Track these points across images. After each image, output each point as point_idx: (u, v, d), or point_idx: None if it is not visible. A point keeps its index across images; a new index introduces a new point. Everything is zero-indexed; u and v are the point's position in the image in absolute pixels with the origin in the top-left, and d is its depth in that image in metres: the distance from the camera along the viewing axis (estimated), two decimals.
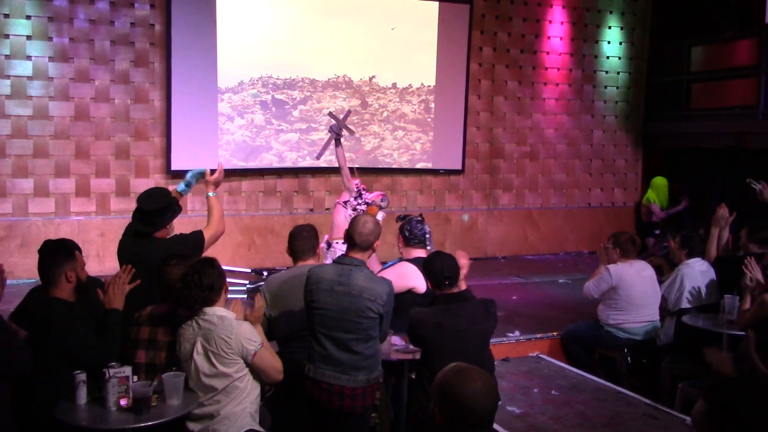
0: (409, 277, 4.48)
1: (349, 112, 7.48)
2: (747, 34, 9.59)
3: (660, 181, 9.73)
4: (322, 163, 8.64)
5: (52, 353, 3.47)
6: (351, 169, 6.58)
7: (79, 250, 3.80)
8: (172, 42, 7.97)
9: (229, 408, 3.36)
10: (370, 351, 3.63)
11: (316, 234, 4.33)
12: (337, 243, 5.91)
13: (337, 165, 6.82)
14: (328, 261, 5.46)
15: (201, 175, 4.63)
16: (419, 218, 4.85)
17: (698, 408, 2.10)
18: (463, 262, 4.18)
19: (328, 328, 3.61)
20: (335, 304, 3.58)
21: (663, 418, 4.57)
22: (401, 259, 4.78)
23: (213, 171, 4.52)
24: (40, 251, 3.72)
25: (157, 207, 4.23)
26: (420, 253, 4.68)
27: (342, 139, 6.80)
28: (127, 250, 4.24)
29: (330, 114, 7.50)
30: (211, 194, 4.49)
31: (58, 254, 3.67)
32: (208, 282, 3.40)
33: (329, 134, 6.92)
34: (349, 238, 3.72)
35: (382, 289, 3.61)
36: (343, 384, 3.58)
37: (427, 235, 4.81)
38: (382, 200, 6.50)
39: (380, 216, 5.73)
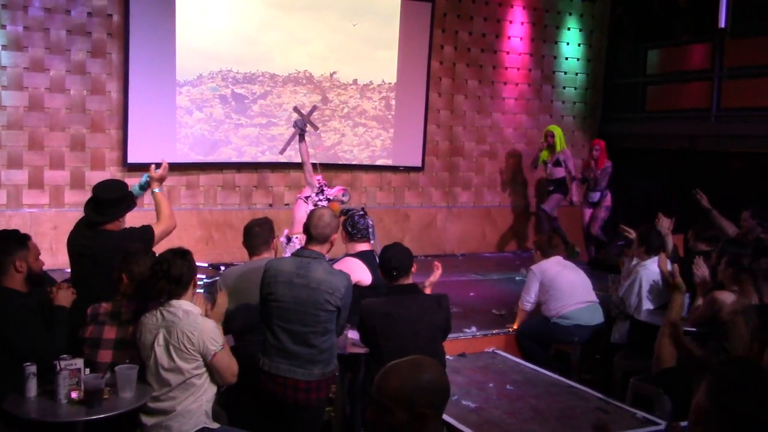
0: (353, 271, 4.52)
1: (315, 108, 7.47)
2: (701, 38, 9.83)
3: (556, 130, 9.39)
4: (282, 158, 8.59)
5: (4, 345, 3.41)
6: (314, 165, 6.59)
7: (30, 240, 3.74)
8: (130, 33, 7.84)
9: (185, 404, 3.34)
10: (327, 344, 3.65)
11: (271, 227, 4.33)
12: (296, 237, 5.92)
13: (299, 160, 6.83)
14: (287, 255, 5.46)
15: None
16: (361, 212, 4.93)
17: (700, 401, 2.04)
18: (436, 273, 4.53)
19: (285, 321, 3.62)
20: (293, 297, 3.60)
21: (614, 412, 4.66)
22: (346, 255, 4.82)
23: (158, 166, 4.48)
24: None
25: (112, 197, 4.19)
26: (364, 246, 4.77)
27: (305, 135, 6.80)
28: (76, 242, 4.19)
29: (295, 108, 7.47)
30: (156, 190, 4.45)
31: (7, 243, 3.62)
32: (176, 273, 3.37)
33: (293, 129, 6.91)
34: (306, 231, 3.75)
35: (341, 282, 3.64)
36: (299, 378, 3.59)
37: (370, 229, 4.90)
38: (343, 195, 6.53)
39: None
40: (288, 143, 7.15)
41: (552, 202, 9.28)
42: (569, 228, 9.50)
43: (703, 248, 5.63)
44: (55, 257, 6.98)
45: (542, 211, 9.39)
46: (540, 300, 5.87)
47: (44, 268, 3.93)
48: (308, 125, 6.93)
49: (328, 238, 3.75)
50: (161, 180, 4.48)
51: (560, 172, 9.23)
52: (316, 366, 3.62)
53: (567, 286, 5.76)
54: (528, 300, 5.91)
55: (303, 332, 3.60)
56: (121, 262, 3.64)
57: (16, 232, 3.77)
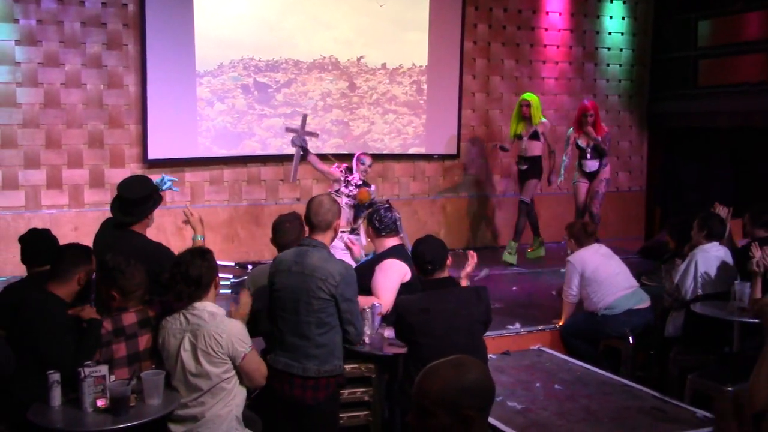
0: (399, 272, 4.57)
1: (305, 117, 7.43)
2: (757, 5, 9.60)
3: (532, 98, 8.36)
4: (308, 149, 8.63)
5: (32, 351, 3.48)
6: (324, 156, 6.71)
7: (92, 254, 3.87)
8: (147, 23, 7.91)
9: (214, 410, 3.36)
10: (324, 339, 3.66)
11: (301, 222, 4.34)
12: (343, 232, 5.99)
13: (324, 152, 6.97)
14: (339, 251, 5.42)
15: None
16: (387, 205, 4.91)
17: None
18: (471, 263, 4.52)
19: (284, 310, 3.70)
20: (290, 285, 3.67)
21: (672, 411, 4.60)
22: (375, 253, 4.82)
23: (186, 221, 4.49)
24: (61, 247, 3.92)
25: (137, 196, 4.25)
26: (394, 241, 4.77)
27: (309, 144, 7.00)
28: (103, 241, 4.25)
29: (287, 129, 7.54)
30: (198, 237, 4.40)
31: (78, 255, 3.76)
32: (195, 274, 3.37)
33: (294, 148, 7.14)
34: (308, 221, 3.81)
35: (336, 269, 3.65)
36: (293, 372, 3.64)
37: (398, 222, 4.89)
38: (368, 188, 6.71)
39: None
40: (295, 168, 7.30)
41: (530, 189, 8.46)
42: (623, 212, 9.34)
43: (761, 234, 5.51)
44: None
45: (522, 204, 8.51)
46: (581, 295, 5.84)
47: None
48: (307, 138, 7.10)
49: (330, 225, 3.78)
50: (197, 225, 4.46)
51: (537, 148, 8.31)
52: (310, 361, 3.63)
53: (609, 277, 5.72)
54: (571, 293, 5.88)
55: (297, 322, 3.65)
56: (104, 279, 3.65)
57: (87, 248, 3.91)
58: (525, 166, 8.39)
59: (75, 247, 3.86)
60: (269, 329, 4.06)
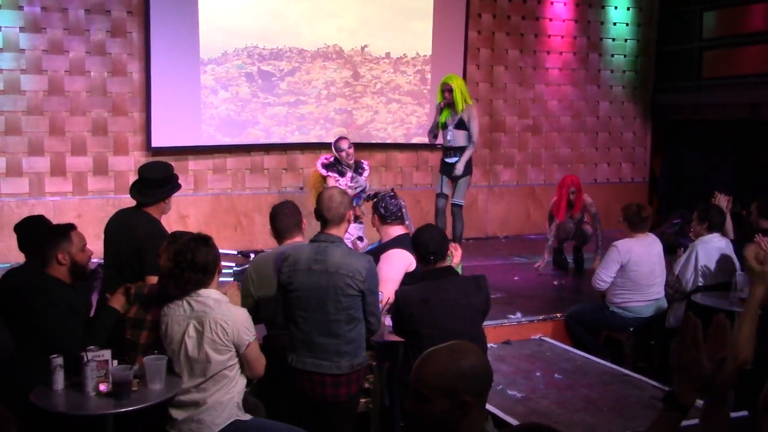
0: (404, 262, 4.56)
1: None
2: None
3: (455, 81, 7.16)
4: (312, 138, 8.65)
5: (35, 333, 3.51)
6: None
7: (73, 230, 3.86)
8: (151, 10, 7.90)
9: (216, 397, 3.37)
10: (353, 334, 3.66)
11: (297, 209, 4.34)
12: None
13: (329, 140, 7.01)
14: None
15: None
16: (392, 193, 4.91)
17: None
18: (455, 257, 4.39)
19: (307, 311, 3.65)
20: (313, 284, 3.62)
21: None
22: (380, 242, 4.83)
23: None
24: (29, 229, 3.97)
25: (157, 176, 4.29)
26: (399, 230, 4.77)
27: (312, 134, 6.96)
28: (116, 220, 4.32)
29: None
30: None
31: (50, 235, 3.78)
32: (201, 262, 3.36)
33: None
34: (321, 216, 3.76)
35: (361, 264, 3.64)
36: (325, 372, 3.62)
37: (404, 210, 4.89)
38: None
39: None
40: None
41: (462, 189, 7.19)
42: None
43: (766, 225, 5.50)
44: None
45: (455, 207, 7.21)
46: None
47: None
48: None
49: (343, 217, 3.76)
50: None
51: (465, 138, 7.11)
52: (343, 358, 3.63)
53: (646, 280, 5.49)
54: (604, 279, 5.52)
55: (326, 321, 3.61)
56: (169, 243, 3.63)
57: (63, 224, 3.91)
58: (453, 159, 7.11)
59: (43, 227, 3.90)
60: (271, 316, 4.08)
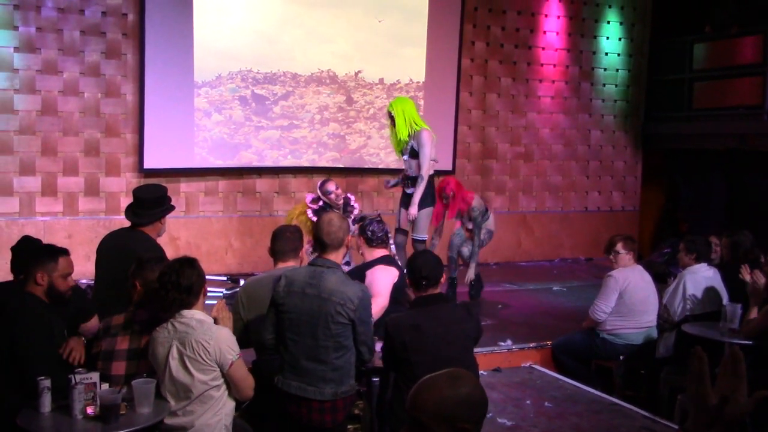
0: (391, 274, 4.62)
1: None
2: (752, 30, 9.70)
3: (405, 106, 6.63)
4: (304, 162, 8.66)
5: (9, 348, 3.49)
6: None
7: (63, 256, 3.83)
8: (146, 33, 7.95)
9: (203, 419, 3.35)
10: (340, 362, 3.65)
11: (301, 236, 4.38)
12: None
13: (322, 165, 6.92)
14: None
15: None
16: (379, 218, 4.98)
17: None
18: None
19: (297, 334, 3.65)
20: (306, 308, 3.62)
21: (661, 431, 4.61)
22: (365, 263, 4.86)
23: None
24: (22, 247, 3.97)
25: (150, 196, 4.31)
26: (383, 252, 4.82)
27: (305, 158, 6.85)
28: (109, 243, 4.32)
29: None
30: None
31: (37, 252, 3.79)
32: (186, 283, 3.38)
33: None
34: (319, 241, 3.76)
35: (353, 293, 3.63)
36: (310, 397, 3.61)
37: (389, 234, 5.00)
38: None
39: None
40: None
41: (422, 222, 6.55)
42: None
43: (689, 262, 5.57)
44: None
45: (417, 242, 6.55)
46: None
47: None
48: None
49: (342, 242, 3.77)
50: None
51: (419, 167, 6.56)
52: (327, 385, 3.61)
53: (640, 307, 5.54)
54: (604, 310, 5.53)
55: (315, 346, 3.61)
56: (136, 269, 3.70)
57: (50, 246, 3.91)
58: (411, 190, 6.58)
59: (31, 245, 3.92)
60: (260, 341, 4.06)
